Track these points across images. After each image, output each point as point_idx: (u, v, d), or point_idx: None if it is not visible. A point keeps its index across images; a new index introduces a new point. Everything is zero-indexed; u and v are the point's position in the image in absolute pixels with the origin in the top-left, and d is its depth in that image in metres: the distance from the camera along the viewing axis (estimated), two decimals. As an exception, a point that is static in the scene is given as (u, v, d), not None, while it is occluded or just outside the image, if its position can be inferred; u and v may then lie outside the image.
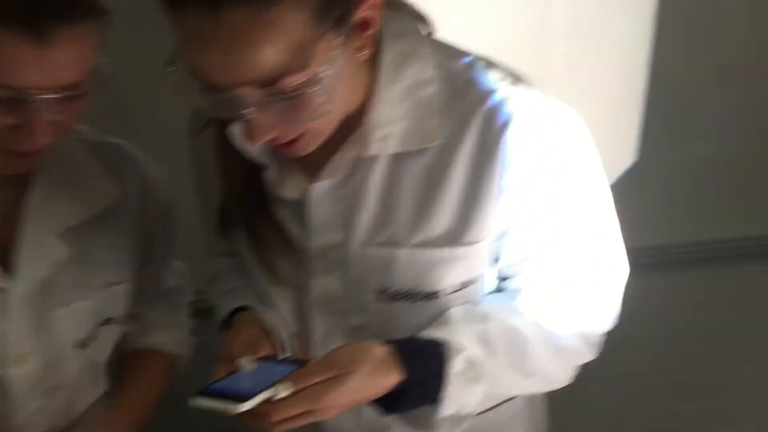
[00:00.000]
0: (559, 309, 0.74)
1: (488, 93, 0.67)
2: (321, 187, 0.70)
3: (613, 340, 0.78)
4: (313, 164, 0.70)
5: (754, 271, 1.57)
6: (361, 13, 0.59)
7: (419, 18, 0.72)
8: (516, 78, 0.70)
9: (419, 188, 0.69)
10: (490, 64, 0.71)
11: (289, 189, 0.71)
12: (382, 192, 0.69)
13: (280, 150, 0.65)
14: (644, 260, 1.52)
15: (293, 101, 0.57)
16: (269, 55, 0.54)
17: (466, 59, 0.70)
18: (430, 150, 0.68)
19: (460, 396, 0.67)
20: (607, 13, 1.32)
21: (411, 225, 0.69)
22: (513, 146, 0.67)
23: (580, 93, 1.39)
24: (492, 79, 0.68)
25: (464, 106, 0.67)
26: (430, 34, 0.73)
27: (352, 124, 0.67)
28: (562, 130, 0.69)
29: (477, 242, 0.70)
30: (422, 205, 0.69)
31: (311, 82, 0.57)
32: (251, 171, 0.72)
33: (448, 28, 1.26)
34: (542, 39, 1.33)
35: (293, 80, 0.56)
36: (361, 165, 0.69)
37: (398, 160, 0.68)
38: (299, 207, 0.72)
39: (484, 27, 1.30)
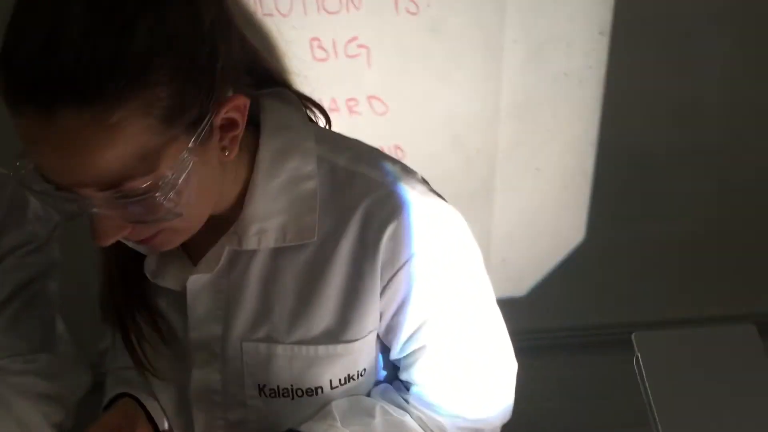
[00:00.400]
0: (448, 404, 0.73)
1: (370, 189, 0.67)
2: (200, 280, 0.68)
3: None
4: (196, 254, 0.69)
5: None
6: (223, 115, 0.57)
7: (316, 108, 0.73)
8: (404, 172, 0.69)
9: (299, 284, 0.68)
10: (376, 158, 0.70)
11: (170, 279, 0.70)
12: (261, 286, 0.68)
13: (140, 245, 0.64)
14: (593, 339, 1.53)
15: (139, 204, 0.55)
16: (108, 159, 0.52)
17: (352, 153, 0.69)
18: (311, 245, 0.67)
19: None
20: (557, 90, 1.32)
21: (290, 321, 0.68)
22: (393, 244, 0.66)
23: (529, 170, 1.38)
24: (376, 173, 0.67)
25: (345, 202, 0.66)
26: (327, 125, 0.74)
27: (232, 217, 0.66)
28: (442, 228, 0.68)
29: (357, 340, 0.69)
30: (301, 302, 0.68)
31: (156, 186, 0.54)
32: (131, 257, 0.70)
33: (399, 106, 1.27)
34: (491, 115, 1.31)
35: (137, 184, 0.53)
36: (241, 258, 0.68)
37: (278, 254, 0.67)
38: (181, 297, 0.70)
39: (433, 101, 1.29)
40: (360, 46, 1.24)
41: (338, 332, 0.68)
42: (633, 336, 0.80)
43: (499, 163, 1.36)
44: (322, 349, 0.69)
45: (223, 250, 0.67)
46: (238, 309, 0.69)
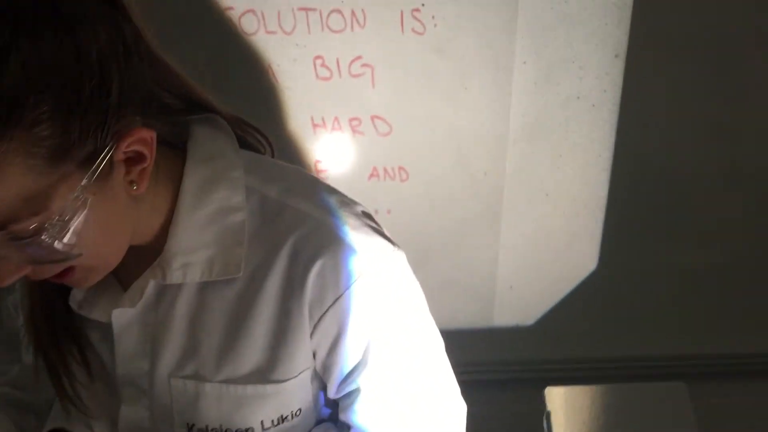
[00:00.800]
0: None
1: (299, 222, 0.63)
2: (127, 313, 0.66)
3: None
4: (128, 285, 0.66)
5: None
6: (125, 149, 0.54)
7: (260, 135, 0.70)
8: (340, 205, 0.66)
9: (226, 320, 0.65)
10: (310, 189, 0.67)
11: (98, 311, 0.66)
12: (188, 321, 0.65)
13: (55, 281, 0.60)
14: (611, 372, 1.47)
15: (32, 246, 0.52)
16: None
17: (285, 183, 0.66)
18: (239, 280, 0.63)
19: None
20: (569, 113, 1.28)
21: (217, 358, 0.65)
22: (321, 282, 0.62)
23: (538, 194, 1.34)
24: (307, 206, 0.64)
25: (274, 235, 0.63)
26: (271, 153, 0.71)
27: (160, 247, 0.63)
28: (374, 266, 0.64)
29: (288, 380, 0.66)
30: (229, 338, 0.65)
31: (47, 228, 0.51)
32: (58, 288, 0.66)
33: (403, 126, 1.24)
34: (499, 137, 1.28)
35: (24, 226, 0.50)
36: (169, 291, 0.65)
37: (205, 288, 0.64)
38: (110, 330, 0.67)
39: (439, 122, 1.26)
40: (364, 65, 1.22)
41: (267, 371, 0.65)
42: (545, 391, 0.74)
43: (506, 187, 1.32)
44: (251, 388, 0.65)
45: (147, 284, 0.64)
46: (165, 344, 0.66)
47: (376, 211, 1.32)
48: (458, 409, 0.73)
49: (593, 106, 1.28)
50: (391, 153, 1.28)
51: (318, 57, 1.21)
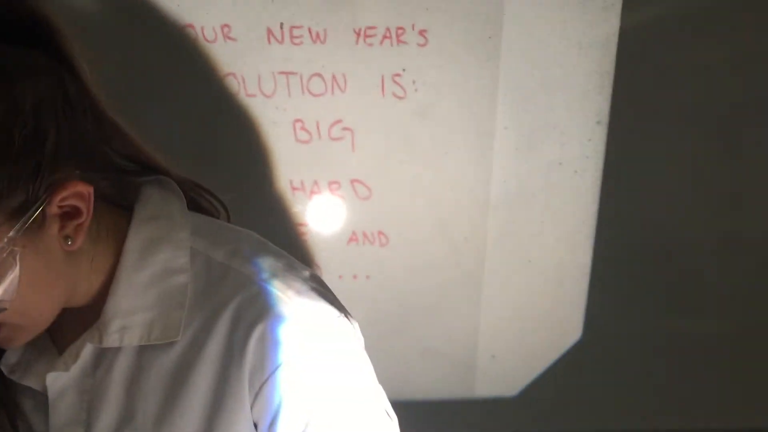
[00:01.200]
0: None
1: (241, 286, 0.62)
2: (62, 378, 0.62)
3: None
4: (63, 350, 0.63)
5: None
6: (59, 203, 0.53)
7: (214, 199, 0.69)
8: (286, 269, 0.64)
9: (164, 386, 0.62)
10: (257, 253, 0.65)
11: (31, 376, 0.64)
12: (125, 387, 0.63)
13: None
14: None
15: None
16: None
17: (232, 247, 0.64)
18: (178, 344, 0.61)
19: None
20: (550, 179, 1.27)
21: (154, 427, 0.62)
22: (261, 349, 0.60)
23: (520, 261, 1.31)
24: (250, 270, 0.63)
25: (217, 299, 0.62)
26: (227, 216, 0.70)
27: (99, 309, 0.61)
28: (317, 334, 0.62)
29: None
30: (166, 406, 0.62)
31: None
32: None
33: (383, 190, 1.22)
34: (481, 203, 1.26)
35: None
36: (107, 356, 0.62)
37: (144, 352, 0.62)
38: (43, 398, 0.64)
39: (421, 190, 1.24)
40: (345, 128, 1.21)
41: None
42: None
43: (488, 253, 1.29)
44: None
45: (83, 347, 0.62)
46: (101, 411, 0.63)
47: (355, 276, 1.29)
48: None
49: (575, 172, 1.27)
50: (371, 217, 1.26)
51: (298, 120, 1.20)
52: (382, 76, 1.18)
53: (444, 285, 1.30)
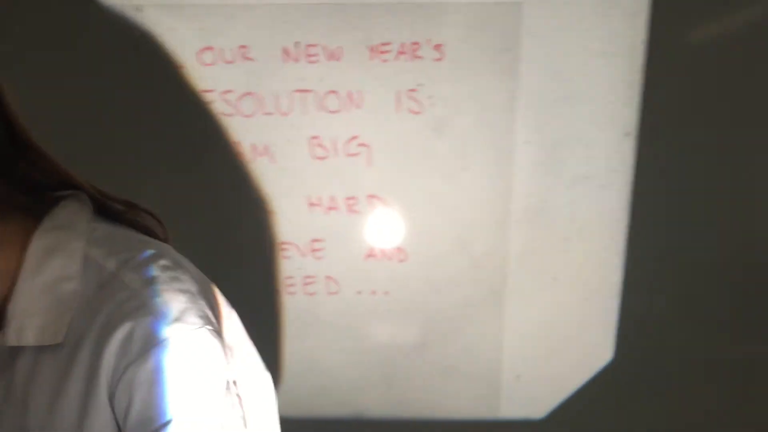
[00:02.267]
0: None
1: (117, 292, 0.65)
2: None
3: None
4: None
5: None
6: None
7: (146, 213, 0.72)
8: (167, 281, 0.66)
9: (50, 390, 0.65)
10: (147, 264, 0.67)
11: None
12: (24, 390, 0.66)
13: None
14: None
15: None
16: None
17: (126, 256, 0.67)
18: (65, 349, 0.65)
19: None
20: (575, 194, 1.22)
21: (41, 429, 0.65)
22: (119, 350, 0.63)
23: (545, 279, 1.27)
24: (131, 277, 0.65)
25: (96, 304, 0.65)
26: (162, 229, 0.73)
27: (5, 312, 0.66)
28: (169, 345, 0.63)
29: None
30: (50, 409, 0.65)
31: None
32: None
33: (400, 205, 1.21)
34: (501, 219, 1.23)
35: None
36: (13, 356, 0.66)
37: (40, 355, 0.66)
38: None
39: (439, 205, 1.23)
40: (361, 144, 1.21)
41: None
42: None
43: (510, 270, 1.26)
44: None
45: None
46: (3, 412, 0.67)
47: (374, 292, 1.28)
48: None
49: (602, 186, 1.22)
50: (389, 233, 1.25)
51: (314, 137, 1.21)
52: (398, 92, 1.18)
53: (465, 302, 1.27)
